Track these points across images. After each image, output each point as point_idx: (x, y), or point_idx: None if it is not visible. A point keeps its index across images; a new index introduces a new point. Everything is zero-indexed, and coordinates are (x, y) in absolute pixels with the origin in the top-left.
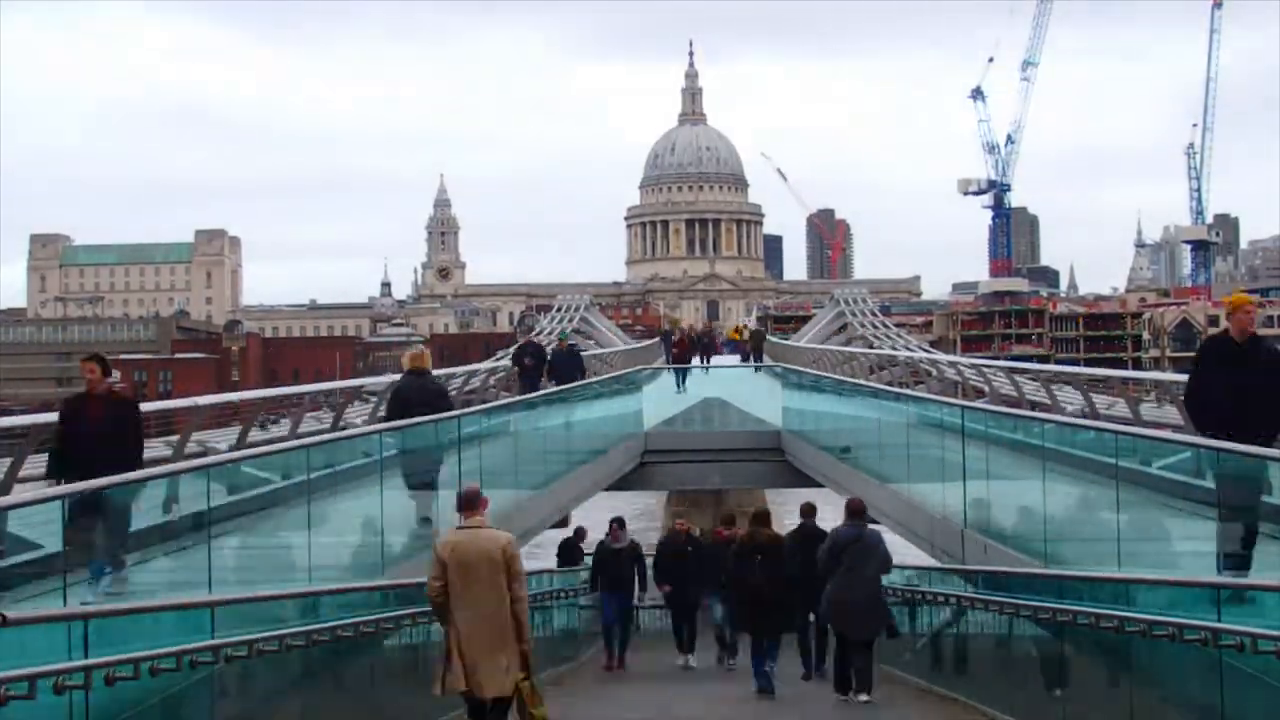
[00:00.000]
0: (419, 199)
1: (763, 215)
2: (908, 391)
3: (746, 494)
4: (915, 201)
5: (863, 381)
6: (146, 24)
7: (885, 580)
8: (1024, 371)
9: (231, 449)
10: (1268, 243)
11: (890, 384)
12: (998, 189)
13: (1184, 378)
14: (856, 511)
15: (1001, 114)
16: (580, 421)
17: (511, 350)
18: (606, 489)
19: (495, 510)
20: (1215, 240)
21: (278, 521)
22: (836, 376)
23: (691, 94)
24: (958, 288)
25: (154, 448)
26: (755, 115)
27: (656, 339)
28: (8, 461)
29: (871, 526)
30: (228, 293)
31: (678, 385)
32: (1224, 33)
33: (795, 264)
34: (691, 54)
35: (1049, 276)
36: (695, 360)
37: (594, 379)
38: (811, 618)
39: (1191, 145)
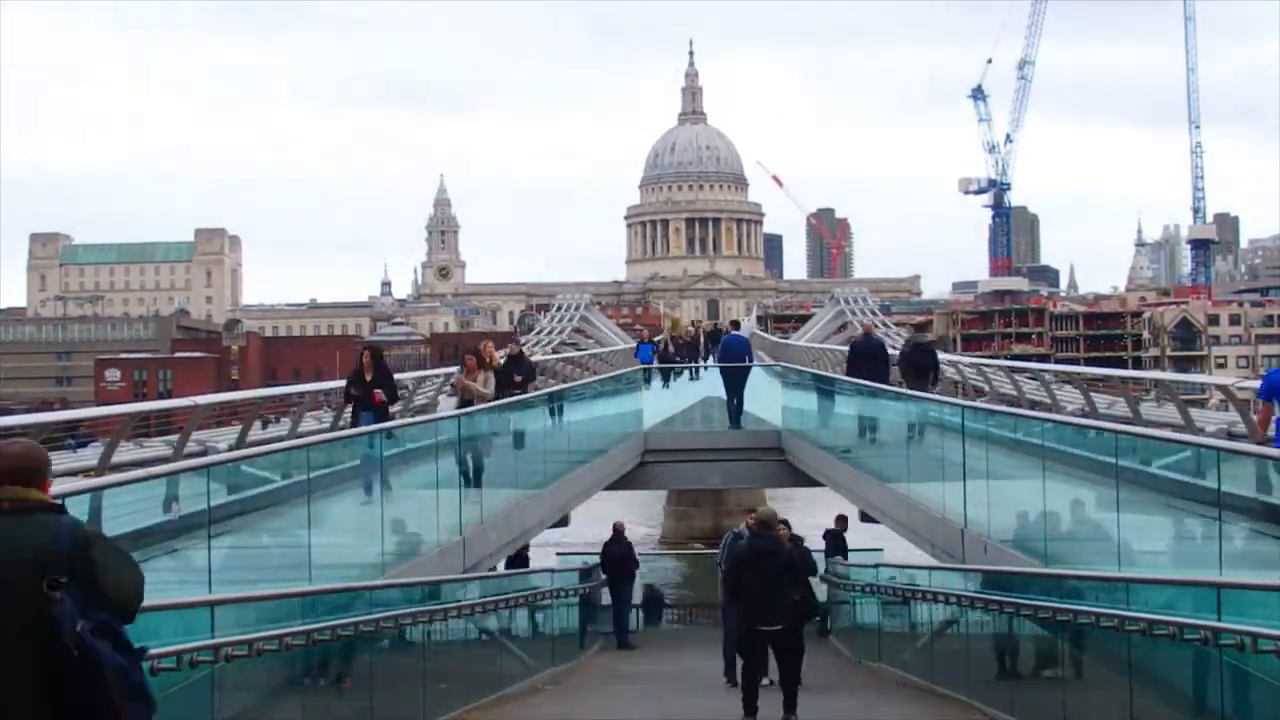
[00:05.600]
0: (419, 199)
1: (763, 214)
2: (908, 391)
3: (746, 494)
4: (915, 201)
5: (863, 381)
6: (143, 20)
7: (884, 578)
8: (1024, 371)
9: (231, 449)
10: (1268, 242)
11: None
12: (998, 188)
13: (1184, 377)
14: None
15: (1001, 113)
16: (580, 421)
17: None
18: (606, 489)
19: (497, 509)
20: (1214, 240)
21: (278, 521)
22: (836, 376)
23: (691, 93)
24: (958, 287)
25: (154, 447)
26: (755, 114)
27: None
28: None
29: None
30: (228, 292)
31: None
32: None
33: (795, 263)
34: (691, 53)
35: (1049, 276)
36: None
37: (594, 379)
38: None
39: (1199, 145)
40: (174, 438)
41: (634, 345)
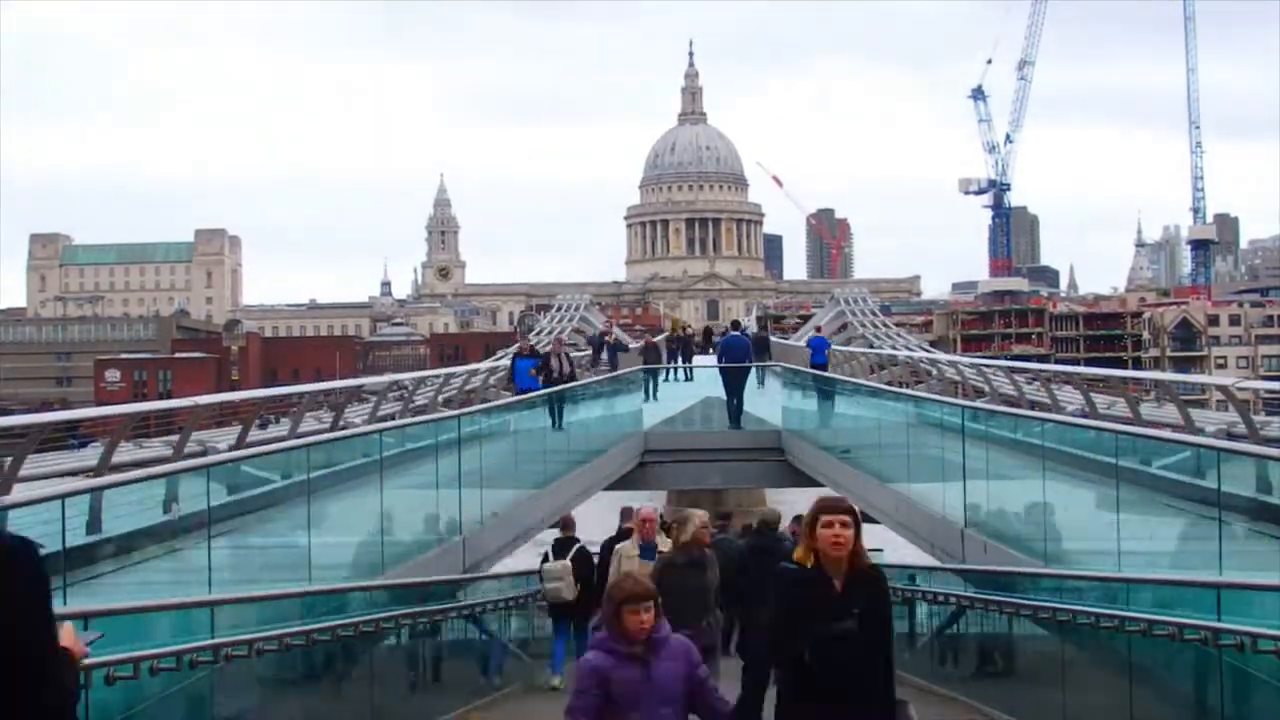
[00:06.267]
0: (419, 199)
1: (763, 215)
2: (908, 391)
3: (746, 494)
4: (915, 201)
5: (863, 381)
6: (144, 20)
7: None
8: (1024, 371)
9: (231, 449)
10: (1268, 243)
11: (890, 384)
12: (998, 188)
13: (1184, 378)
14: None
15: (1001, 113)
16: (580, 421)
17: None
18: (606, 488)
19: (496, 510)
20: (1214, 241)
21: (278, 521)
22: (836, 376)
23: (691, 93)
24: (958, 287)
25: (154, 447)
26: (755, 115)
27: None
28: (8, 461)
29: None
30: (228, 292)
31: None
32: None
33: (795, 263)
34: (691, 53)
35: (1049, 276)
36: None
37: (594, 379)
38: None
39: (1199, 145)
40: (174, 438)
41: (637, 346)
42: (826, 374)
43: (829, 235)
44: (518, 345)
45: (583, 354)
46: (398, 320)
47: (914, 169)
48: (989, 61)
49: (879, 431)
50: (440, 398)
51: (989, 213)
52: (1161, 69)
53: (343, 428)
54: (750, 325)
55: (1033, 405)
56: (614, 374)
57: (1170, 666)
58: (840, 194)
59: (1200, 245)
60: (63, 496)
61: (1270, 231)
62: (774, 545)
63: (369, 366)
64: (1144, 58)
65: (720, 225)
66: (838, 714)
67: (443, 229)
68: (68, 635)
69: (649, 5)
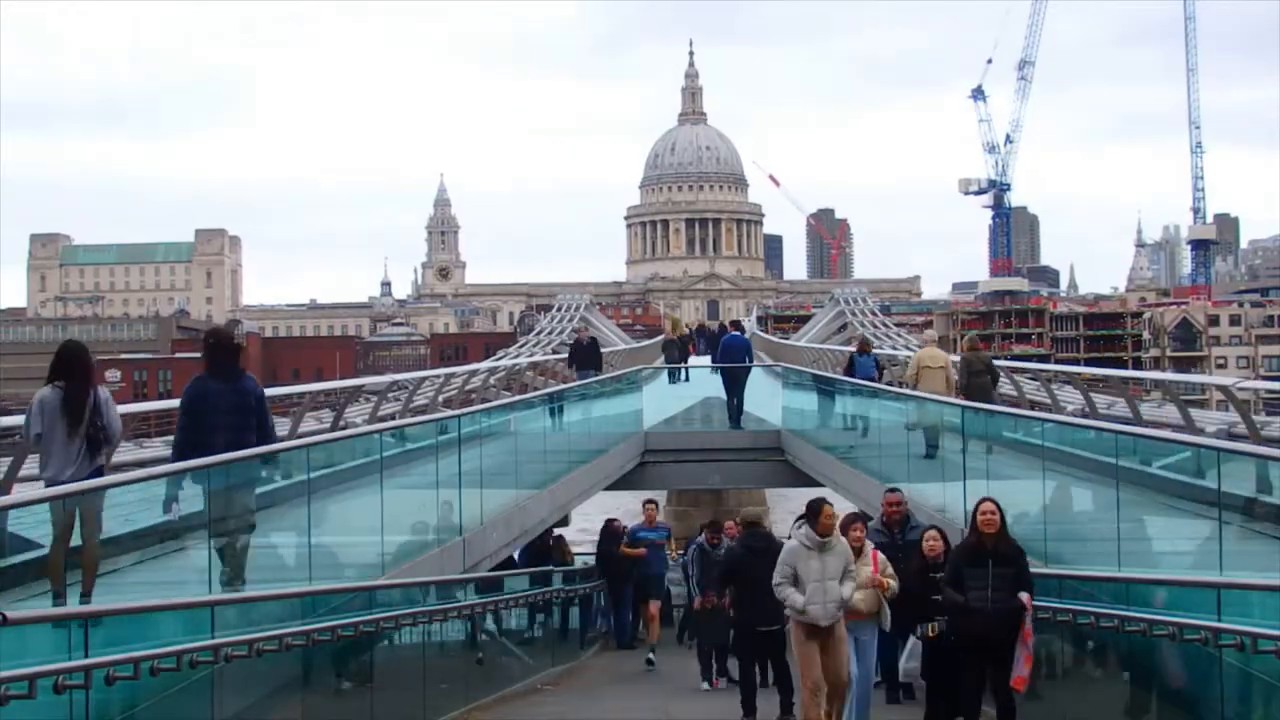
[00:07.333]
0: (419, 199)
1: (763, 215)
2: (908, 391)
3: (746, 494)
4: (915, 201)
5: (862, 382)
6: (145, 20)
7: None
8: (1024, 371)
9: None
10: (1268, 243)
11: (890, 384)
12: (998, 188)
13: (1184, 377)
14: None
15: (1001, 113)
16: (580, 421)
17: None
18: (606, 488)
19: (496, 510)
20: (1214, 241)
21: (278, 521)
22: (836, 376)
23: (691, 93)
24: (958, 287)
25: (154, 447)
26: (755, 114)
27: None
28: (8, 461)
29: None
30: (228, 292)
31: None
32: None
33: (795, 263)
34: (692, 53)
35: (1049, 276)
36: None
37: (594, 379)
38: None
39: (1199, 144)
40: (174, 438)
41: (641, 344)
42: (826, 374)
43: (829, 235)
44: None
45: None
46: (398, 320)
47: (914, 169)
48: (989, 61)
49: (879, 431)
50: (440, 398)
51: (989, 213)
52: (1162, 69)
53: (343, 427)
54: (751, 326)
55: (1033, 405)
56: (616, 373)
57: (1170, 666)
58: (840, 194)
59: (1200, 245)
60: (63, 496)
61: (1270, 231)
62: (766, 544)
63: (369, 366)
64: (1144, 58)
65: (720, 225)
66: None
67: (443, 229)
68: None
69: (650, 5)
